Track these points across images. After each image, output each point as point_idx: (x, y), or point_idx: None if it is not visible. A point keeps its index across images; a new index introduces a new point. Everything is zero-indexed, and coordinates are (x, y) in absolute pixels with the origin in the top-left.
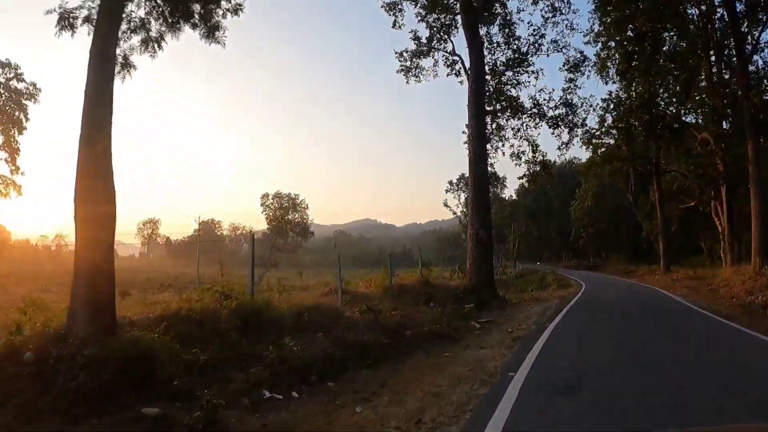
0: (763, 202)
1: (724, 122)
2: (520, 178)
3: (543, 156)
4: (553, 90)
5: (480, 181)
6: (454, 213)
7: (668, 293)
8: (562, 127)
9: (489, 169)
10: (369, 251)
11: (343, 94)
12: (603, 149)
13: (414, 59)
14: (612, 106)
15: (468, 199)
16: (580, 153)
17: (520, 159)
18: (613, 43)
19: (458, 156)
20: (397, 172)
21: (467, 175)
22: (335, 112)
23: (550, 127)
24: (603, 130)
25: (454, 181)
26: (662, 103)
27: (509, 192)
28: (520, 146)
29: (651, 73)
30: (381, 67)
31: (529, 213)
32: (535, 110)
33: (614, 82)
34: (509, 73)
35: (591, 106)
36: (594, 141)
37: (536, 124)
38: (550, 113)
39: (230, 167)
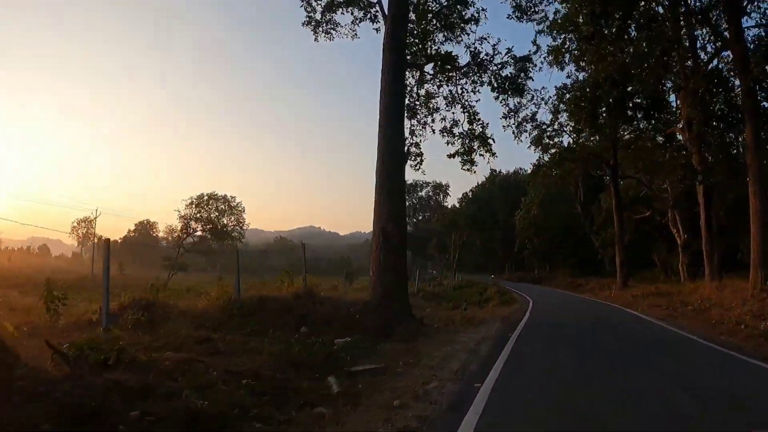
0: (765, 198)
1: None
2: (451, 156)
3: (482, 127)
4: (500, 40)
5: (391, 153)
6: None
7: (641, 315)
8: (511, 93)
9: (422, 161)
10: (307, 258)
11: (288, 97)
12: (554, 150)
13: (327, 12)
14: (568, 95)
15: (376, 181)
16: (526, 161)
17: (453, 133)
18: (572, 27)
19: None
20: (344, 180)
21: (408, 180)
22: (281, 116)
23: (494, 90)
24: (556, 127)
25: None
26: (636, 76)
27: (452, 201)
28: (454, 117)
29: (622, 38)
30: (328, 72)
31: (471, 222)
32: (474, 66)
33: (569, 76)
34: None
35: (542, 99)
36: (545, 140)
37: (475, 86)
38: (493, 68)
39: (172, 168)
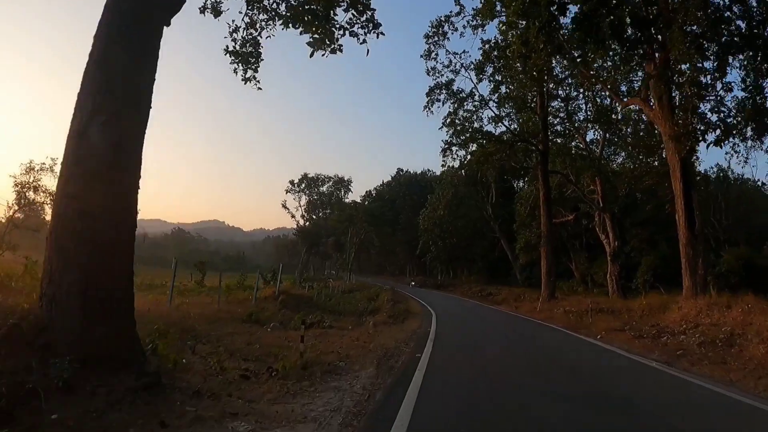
0: None
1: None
2: (287, 22)
3: None
4: None
5: None
6: (293, 215)
7: (620, 351)
8: None
9: None
10: (201, 253)
11: (199, 89)
12: (470, 132)
13: None
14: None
15: (92, 48)
16: (435, 161)
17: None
18: None
19: (303, 152)
20: (249, 176)
21: (309, 174)
22: (188, 103)
23: None
24: (476, 100)
25: (296, 180)
26: None
27: (355, 199)
28: None
29: None
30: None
31: (371, 218)
32: None
33: (497, 44)
34: None
35: (462, 65)
36: (459, 120)
37: None
38: None
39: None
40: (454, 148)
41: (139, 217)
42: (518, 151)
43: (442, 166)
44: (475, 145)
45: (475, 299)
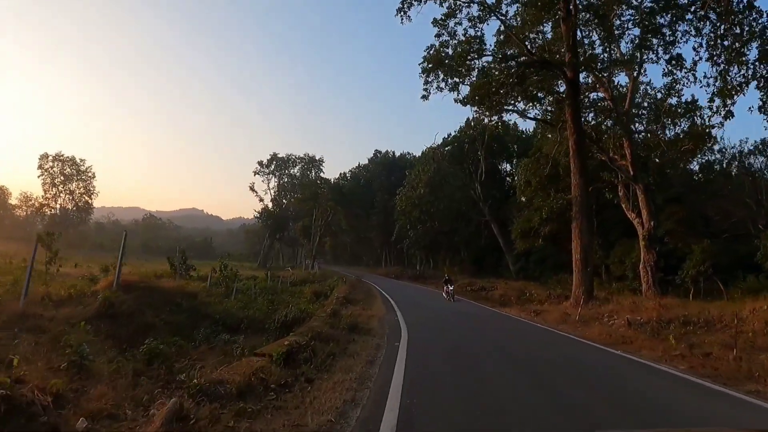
0: None
1: None
2: None
3: None
4: None
5: None
6: (261, 199)
7: None
8: None
9: None
10: (170, 239)
11: (189, 80)
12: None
13: None
14: None
15: None
16: (416, 145)
17: None
18: None
19: (284, 141)
20: (231, 166)
21: (279, 153)
22: (171, 90)
23: None
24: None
25: (265, 161)
26: None
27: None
28: None
29: None
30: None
31: (340, 196)
32: None
33: None
34: None
35: None
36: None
37: None
38: None
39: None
40: (440, 73)
41: (117, 204)
42: (531, 84)
43: (423, 97)
44: (469, 79)
45: (467, 297)
